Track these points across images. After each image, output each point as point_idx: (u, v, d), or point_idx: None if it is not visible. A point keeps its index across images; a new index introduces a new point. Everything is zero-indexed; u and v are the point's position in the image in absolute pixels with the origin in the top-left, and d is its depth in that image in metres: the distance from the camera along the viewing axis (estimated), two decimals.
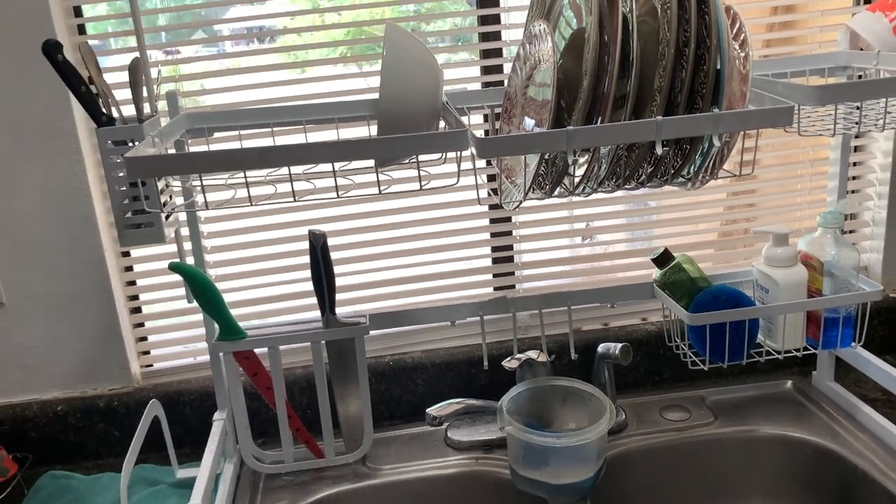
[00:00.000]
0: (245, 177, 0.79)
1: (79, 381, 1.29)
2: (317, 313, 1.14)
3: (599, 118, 0.84)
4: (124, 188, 0.87)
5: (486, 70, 1.31)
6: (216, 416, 1.17)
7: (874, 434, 1.15)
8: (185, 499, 0.97)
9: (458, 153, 0.82)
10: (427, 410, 1.11)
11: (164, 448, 1.16)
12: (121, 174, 0.91)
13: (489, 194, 1.28)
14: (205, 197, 0.81)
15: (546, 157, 0.94)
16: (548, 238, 1.36)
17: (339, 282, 1.32)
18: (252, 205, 0.80)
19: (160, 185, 0.92)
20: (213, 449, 1.08)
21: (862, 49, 1.12)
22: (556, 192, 0.93)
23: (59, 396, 1.29)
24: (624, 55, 0.83)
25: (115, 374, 1.30)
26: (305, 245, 1.11)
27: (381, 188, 0.85)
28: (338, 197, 0.82)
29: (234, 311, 1.11)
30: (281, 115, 1.07)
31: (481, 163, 1.30)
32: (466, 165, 0.93)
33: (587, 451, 1.05)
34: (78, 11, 1.20)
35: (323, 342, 1.14)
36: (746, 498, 1.22)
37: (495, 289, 1.39)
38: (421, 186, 0.84)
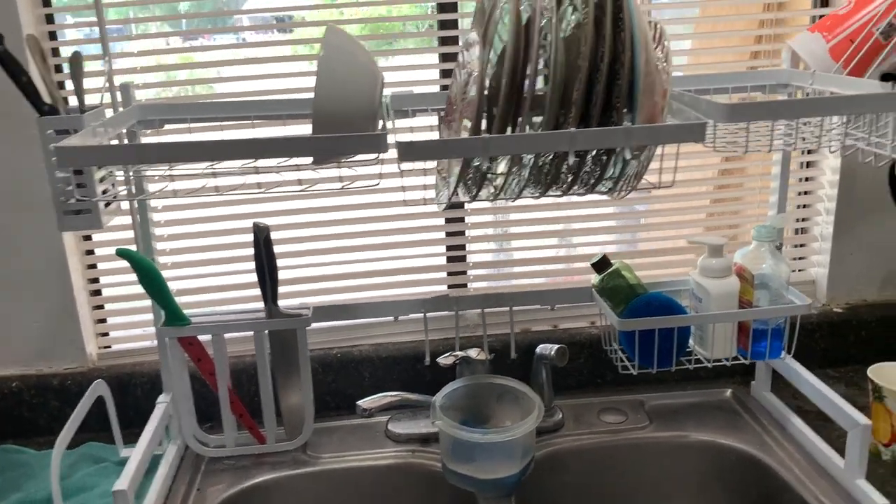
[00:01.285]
0: (170, 168, 0.82)
1: (35, 359, 1.33)
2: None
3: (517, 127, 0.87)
4: (63, 175, 0.90)
5: (444, 73, 1.34)
6: (160, 398, 1.20)
7: (800, 445, 1.18)
8: None
9: (377, 155, 0.85)
10: (358, 402, 1.14)
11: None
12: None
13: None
14: (137, 187, 0.85)
15: (473, 161, 0.96)
16: (500, 239, 1.39)
17: (293, 275, 1.35)
18: (176, 196, 0.83)
19: (102, 173, 0.95)
20: (151, 430, 1.11)
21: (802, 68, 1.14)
22: (481, 195, 0.96)
23: (14, 373, 1.32)
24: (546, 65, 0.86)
25: (71, 353, 1.33)
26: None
27: (305, 186, 0.88)
28: (262, 192, 0.85)
29: (184, 299, 1.14)
30: (230, 109, 1.10)
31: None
32: (407, 167, 0.96)
33: (512, 447, 1.08)
34: (47, 1, 1.24)
35: (266, 332, 1.17)
36: (670, 500, 1.25)
37: (449, 287, 1.41)
38: (342, 186, 0.87)
